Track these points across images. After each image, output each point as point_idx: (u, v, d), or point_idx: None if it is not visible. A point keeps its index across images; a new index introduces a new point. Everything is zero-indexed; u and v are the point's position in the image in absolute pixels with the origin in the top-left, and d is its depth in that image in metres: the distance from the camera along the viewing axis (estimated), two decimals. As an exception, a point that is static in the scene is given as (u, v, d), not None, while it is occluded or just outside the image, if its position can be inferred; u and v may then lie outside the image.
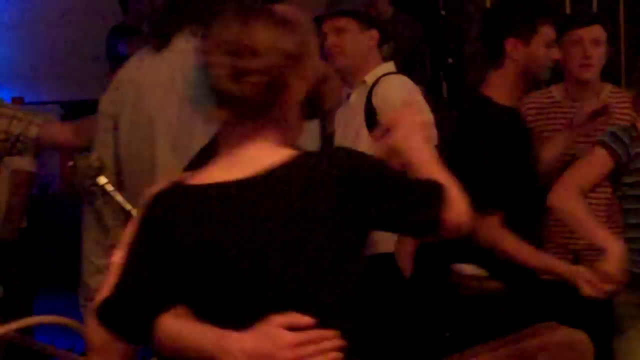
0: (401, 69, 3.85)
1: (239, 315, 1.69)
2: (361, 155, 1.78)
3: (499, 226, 2.92)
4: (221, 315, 1.70)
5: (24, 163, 4.31)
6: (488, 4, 4.76)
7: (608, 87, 3.50)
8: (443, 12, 4.98)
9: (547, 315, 2.71)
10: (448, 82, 4.77)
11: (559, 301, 3.04)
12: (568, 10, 4.62)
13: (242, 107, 1.71)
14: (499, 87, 3.03)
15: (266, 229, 1.68)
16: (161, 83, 2.51)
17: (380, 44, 3.51)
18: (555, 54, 3.04)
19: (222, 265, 1.69)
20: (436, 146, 3.36)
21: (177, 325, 1.72)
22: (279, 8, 1.79)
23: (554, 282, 2.97)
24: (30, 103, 5.83)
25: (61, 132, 3.12)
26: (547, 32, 2.99)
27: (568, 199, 2.86)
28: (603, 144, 2.91)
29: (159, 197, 1.75)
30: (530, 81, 3.10)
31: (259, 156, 1.73)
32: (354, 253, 1.74)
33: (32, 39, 6.06)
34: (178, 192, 1.75)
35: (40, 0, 6.10)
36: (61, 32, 6.02)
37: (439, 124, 3.40)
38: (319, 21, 3.49)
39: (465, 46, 4.80)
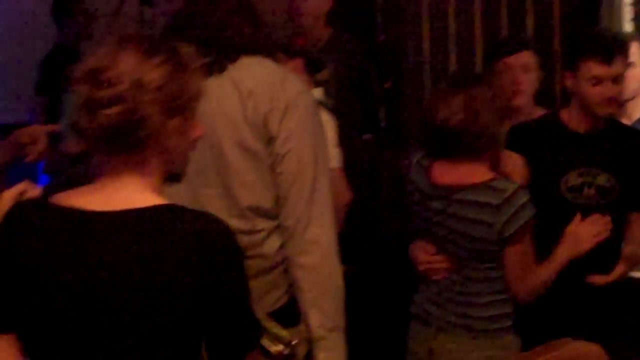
0: (349, 88, 3.89)
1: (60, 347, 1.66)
2: (227, 248, 1.70)
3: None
4: (42, 345, 1.67)
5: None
6: (426, 29, 4.78)
7: (541, 112, 3.51)
8: (382, 37, 4.99)
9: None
10: (387, 105, 4.77)
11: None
12: (505, 32, 4.67)
13: (96, 141, 1.67)
14: (569, 113, 3.19)
15: (102, 269, 1.63)
16: None
17: (311, 71, 3.53)
18: (609, 91, 3.06)
19: (53, 294, 1.64)
20: (340, 168, 3.39)
21: None
22: (184, 49, 1.74)
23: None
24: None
25: None
26: (588, 68, 3.05)
27: None
28: None
29: (20, 208, 1.71)
30: (593, 113, 3.14)
31: (120, 193, 1.68)
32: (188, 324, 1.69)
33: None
34: (38, 208, 1.71)
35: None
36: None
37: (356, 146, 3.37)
38: None
39: (404, 70, 4.81)
